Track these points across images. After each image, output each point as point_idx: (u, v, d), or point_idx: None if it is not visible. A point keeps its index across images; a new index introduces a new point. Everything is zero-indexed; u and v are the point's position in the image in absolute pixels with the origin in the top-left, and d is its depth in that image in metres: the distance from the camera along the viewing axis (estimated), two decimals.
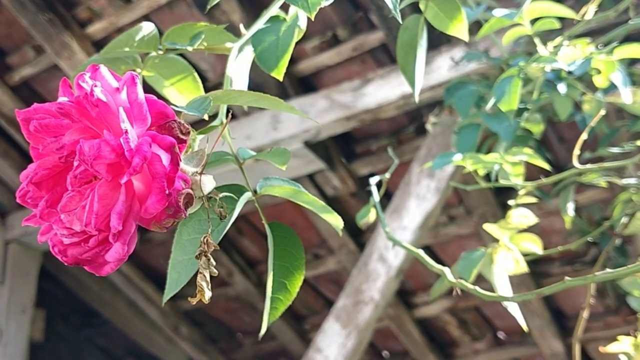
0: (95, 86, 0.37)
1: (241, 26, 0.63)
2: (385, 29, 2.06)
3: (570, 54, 1.01)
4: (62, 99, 0.38)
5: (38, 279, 2.83)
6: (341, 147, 2.48)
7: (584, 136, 0.91)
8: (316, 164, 2.36)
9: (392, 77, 2.09)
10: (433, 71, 1.96)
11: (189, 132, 0.40)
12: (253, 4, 2.10)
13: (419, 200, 1.98)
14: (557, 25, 1.02)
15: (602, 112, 1.01)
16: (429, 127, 1.62)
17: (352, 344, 2.00)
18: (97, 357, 3.61)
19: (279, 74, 0.67)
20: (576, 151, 0.88)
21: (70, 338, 3.49)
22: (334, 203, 2.58)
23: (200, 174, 0.42)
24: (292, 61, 2.26)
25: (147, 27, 0.60)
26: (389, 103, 2.06)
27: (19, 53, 2.45)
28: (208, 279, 0.44)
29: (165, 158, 0.37)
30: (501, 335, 3.07)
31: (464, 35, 0.71)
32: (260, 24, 0.62)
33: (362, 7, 2.13)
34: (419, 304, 2.95)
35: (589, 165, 0.90)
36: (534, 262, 2.54)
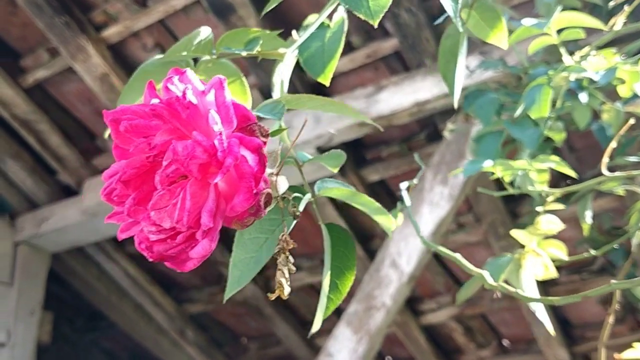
0: (188, 89, 0.39)
1: (294, 32, 0.65)
2: (400, 36, 2.08)
3: (596, 64, 1.03)
4: (154, 100, 0.40)
5: (47, 281, 2.84)
6: (352, 153, 2.50)
7: (613, 144, 0.93)
8: (327, 170, 2.36)
9: (406, 84, 2.11)
10: None
11: (268, 135, 0.42)
12: (270, 10, 2.12)
13: (432, 207, 1.99)
14: (582, 35, 1.04)
15: (632, 121, 1.03)
16: (446, 133, 1.64)
17: (363, 350, 2.01)
18: None
19: (325, 79, 0.68)
20: (605, 159, 0.90)
21: (75, 341, 3.49)
22: (344, 209, 2.59)
23: (277, 174, 0.43)
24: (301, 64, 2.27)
25: (205, 32, 0.62)
26: (402, 110, 2.07)
27: (33, 55, 2.46)
28: (287, 275, 0.45)
29: (252, 159, 0.39)
30: (506, 343, 3.08)
31: (504, 44, 0.73)
32: (312, 29, 0.63)
33: None
34: (426, 310, 2.97)
35: (617, 173, 0.92)
36: None
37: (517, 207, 2.46)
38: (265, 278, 3.05)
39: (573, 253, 2.24)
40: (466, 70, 1.91)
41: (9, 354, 2.66)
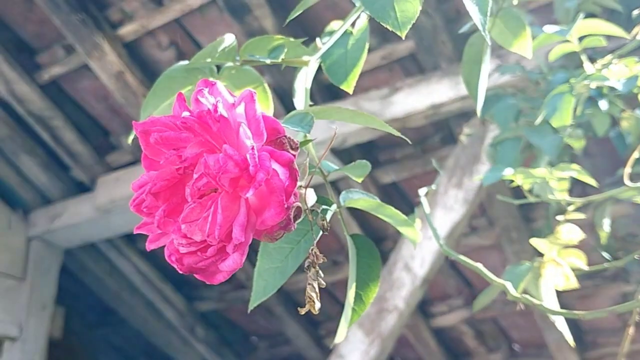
0: (219, 102, 0.39)
1: (317, 40, 0.65)
2: (416, 38, 2.08)
3: (618, 72, 1.02)
4: (184, 113, 0.39)
5: (59, 276, 2.85)
6: (365, 155, 2.49)
7: (636, 154, 0.92)
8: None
9: (421, 86, 2.10)
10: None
11: (297, 148, 0.41)
12: (285, 10, 2.12)
13: (446, 211, 1.99)
14: (604, 43, 1.03)
15: None
16: (462, 138, 1.63)
17: (375, 352, 2.01)
18: (112, 356, 3.63)
19: (348, 87, 0.68)
20: (628, 169, 0.89)
21: (86, 336, 3.51)
22: (356, 211, 2.59)
23: (306, 187, 0.43)
24: (320, 68, 2.27)
25: (229, 39, 0.62)
26: (417, 112, 2.07)
27: (49, 52, 2.47)
28: (317, 290, 0.45)
29: (283, 173, 0.39)
30: (517, 347, 3.07)
31: (528, 53, 0.72)
32: (335, 37, 0.63)
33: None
34: (436, 313, 2.96)
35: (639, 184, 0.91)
36: None
37: (530, 211, 2.45)
38: None
39: (588, 258, 2.22)
40: None
41: (20, 348, 2.68)
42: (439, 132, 2.38)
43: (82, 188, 2.75)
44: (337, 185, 2.51)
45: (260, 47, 0.63)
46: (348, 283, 0.53)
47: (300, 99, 0.62)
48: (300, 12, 0.61)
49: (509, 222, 2.38)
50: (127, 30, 2.30)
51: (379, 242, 2.73)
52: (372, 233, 2.71)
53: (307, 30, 2.09)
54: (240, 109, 0.40)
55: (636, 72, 1.02)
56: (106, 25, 2.29)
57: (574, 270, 0.96)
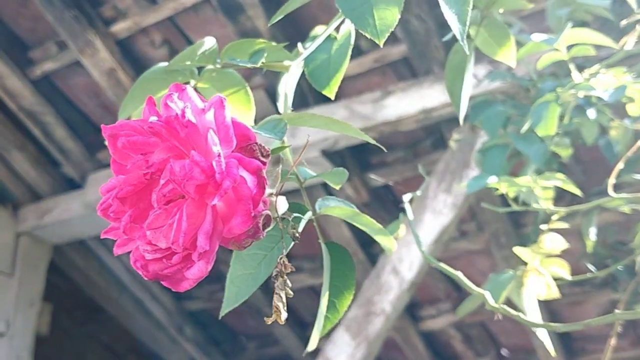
0: (187, 107, 0.38)
1: (299, 45, 0.64)
2: (409, 42, 2.07)
3: (606, 82, 1.02)
4: (152, 118, 0.39)
5: (47, 272, 2.84)
6: (357, 157, 2.49)
7: (621, 165, 0.92)
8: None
9: (413, 90, 2.10)
10: None
11: (268, 155, 0.41)
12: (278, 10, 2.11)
13: (435, 215, 1.99)
14: (593, 52, 1.03)
15: (639, 143, 1.02)
16: (452, 143, 1.63)
17: (361, 355, 2.01)
18: (99, 353, 3.62)
19: (330, 92, 0.68)
20: (612, 180, 0.89)
21: (74, 333, 3.50)
22: None
23: (276, 195, 0.43)
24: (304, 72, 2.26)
25: (209, 42, 0.61)
26: (409, 116, 2.07)
27: (42, 48, 2.46)
28: (284, 299, 0.44)
29: (251, 181, 0.38)
30: (505, 352, 3.07)
31: (512, 62, 0.72)
32: (318, 42, 0.63)
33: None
34: (425, 317, 2.96)
35: (624, 195, 0.91)
36: None
37: (520, 217, 2.45)
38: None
39: (576, 265, 2.22)
40: (474, 80, 1.90)
41: (7, 344, 2.66)
42: (430, 136, 2.38)
43: (73, 184, 2.74)
44: (328, 188, 2.51)
45: (242, 50, 0.63)
46: (322, 291, 0.53)
47: (282, 104, 0.62)
48: (281, 17, 0.60)
49: (499, 227, 2.38)
50: (120, 28, 2.29)
51: (369, 245, 2.73)
52: (362, 235, 2.71)
53: (301, 31, 2.08)
54: (210, 115, 0.39)
55: (624, 82, 1.02)
56: (99, 22, 2.28)
57: (557, 279, 0.96)
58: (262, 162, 0.40)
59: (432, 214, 1.99)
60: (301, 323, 3.23)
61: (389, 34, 0.53)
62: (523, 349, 2.99)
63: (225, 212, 0.39)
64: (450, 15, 0.50)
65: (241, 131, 0.40)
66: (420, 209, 2.03)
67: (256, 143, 0.41)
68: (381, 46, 0.49)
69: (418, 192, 0.96)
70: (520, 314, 0.66)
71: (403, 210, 0.99)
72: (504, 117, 1.29)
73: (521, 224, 2.46)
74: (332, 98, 0.66)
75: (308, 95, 2.26)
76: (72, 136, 2.62)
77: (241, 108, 0.69)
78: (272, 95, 2.26)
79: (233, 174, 0.37)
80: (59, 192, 2.73)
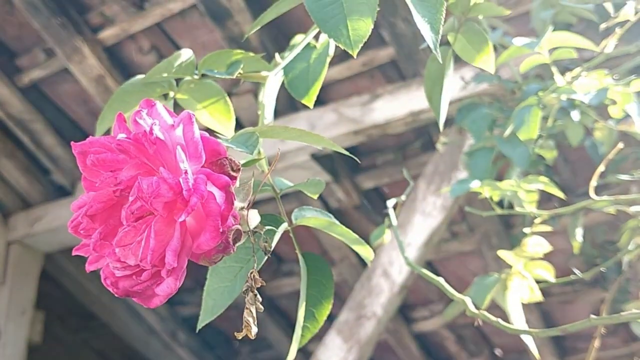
0: (155, 124, 0.38)
1: (277, 56, 0.65)
2: (396, 45, 2.08)
3: (587, 85, 1.03)
4: (120, 135, 0.39)
5: (39, 280, 2.83)
6: (346, 160, 2.49)
7: (601, 168, 0.92)
8: (321, 176, 2.37)
9: (401, 93, 2.10)
10: None
11: (239, 170, 0.41)
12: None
13: (424, 217, 1.99)
14: (574, 55, 1.04)
15: (620, 145, 1.02)
16: (439, 146, 1.64)
17: (353, 359, 2.01)
18: None
19: (309, 101, 0.68)
20: (593, 182, 0.89)
21: (67, 341, 3.48)
22: (338, 216, 2.58)
23: (247, 209, 0.43)
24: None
25: (186, 54, 0.61)
26: (397, 119, 2.07)
27: (29, 55, 2.46)
28: (254, 314, 0.44)
29: (219, 196, 0.38)
30: (498, 352, 3.07)
31: (490, 68, 0.73)
32: (295, 52, 0.63)
33: (374, 23, 2.15)
34: (418, 318, 2.96)
35: (605, 197, 0.91)
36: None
37: (511, 217, 2.46)
38: None
39: (566, 265, 2.22)
40: (461, 82, 1.91)
41: (0, 353, 2.66)
42: (419, 138, 2.39)
43: (63, 192, 2.73)
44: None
45: (220, 61, 0.63)
46: (299, 302, 0.53)
47: (267, 113, 0.62)
48: (259, 27, 0.60)
49: (489, 228, 2.38)
50: (108, 34, 2.29)
51: None
52: None
53: (288, 34, 2.09)
54: (179, 131, 0.39)
55: (606, 84, 1.03)
56: (86, 29, 2.28)
57: (541, 282, 0.96)
58: (232, 177, 0.40)
59: (422, 216, 1.99)
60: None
61: (365, 42, 0.53)
62: (516, 349, 2.99)
63: (194, 228, 0.39)
64: (422, 24, 0.50)
65: (211, 146, 0.40)
66: (409, 211, 2.03)
67: (226, 158, 0.41)
68: (355, 57, 0.49)
69: (403, 197, 0.96)
70: (500, 320, 0.66)
71: (389, 215, 1.00)
72: (489, 120, 1.30)
73: (512, 225, 2.47)
74: (311, 107, 0.67)
75: (296, 100, 2.26)
76: (61, 143, 2.62)
77: (221, 118, 0.69)
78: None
79: (201, 190, 0.37)
80: (49, 200, 2.73)
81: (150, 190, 0.37)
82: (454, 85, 1.95)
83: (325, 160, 2.35)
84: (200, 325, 0.49)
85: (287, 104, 2.27)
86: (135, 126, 0.39)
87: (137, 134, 0.38)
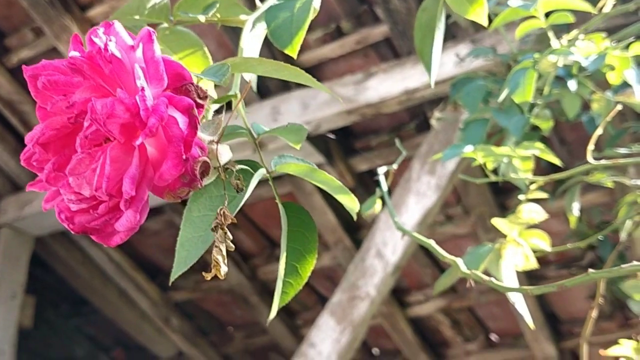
0: (110, 41, 0.35)
1: (257, 2, 0.61)
2: (390, 22, 2.04)
3: (585, 49, 0.99)
4: (73, 53, 0.36)
5: (29, 265, 2.80)
6: (341, 142, 2.46)
7: (599, 131, 0.89)
8: (315, 158, 2.34)
9: (396, 71, 2.06)
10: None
11: (206, 97, 0.38)
12: None
13: (419, 197, 1.96)
14: (571, 19, 1.00)
15: (619, 107, 0.99)
16: (433, 122, 1.60)
17: (347, 340, 1.98)
18: (86, 346, 3.58)
19: (293, 51, 0.64)
20: (590, 146, 0.86)
21: (59, 326, 3.45)
22: (332, 198, 2.55)
23: (217, 142, 0.39)
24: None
25: None
26: (391, 98, 2.04)
27: (18, 35, 2.41)
28: (224, 253, 0.41)
29: (182, 121, 0.35)
30: (494, 337, 3.05)
31: (484, 20, 0.69)
32: None
33: (367, 0, 2.11)
34: (413, 302, 2.94)
35: (603, 161, 0.88)
36: None
37: (506, 199, 2.43)
38: (251, 266, 3.02)
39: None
40: (456, 59, 1.87)
41: None
42: (414, 119, 2.35)
43: None
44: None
45: (196, 5, 0.59)
46: (281, 254, 0.50)
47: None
48: None
49: (484, 210, 2.36)
50: (97, 12, 2.25)
51: (355, 231, 2.70)
52: (349, 222, 2.69)
53: None
54: (140, 52, 0.36)
55: (603, 48, 1.00)
56: (75, 7, 2.23)
57: (536, 252, 0.93)
58: (198, 104, 0.37)
59: (416, 196, 1.96)
60: (289, 312, 3.20)
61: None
62: (511, 334, 2.97)
63: (156, 158, 0.36)
64: None
65: (175, 69, 0.37)
66: (403, 192, 2.00)
67: (192, 83, 0.37)
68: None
69: (394, 166, 0.93)
70: (493, 279, 0.63)
71: (391, 190, 0.97)
72: (483, 91, 1.26)
73: (507, 207, 2.44)
74: (295, 57, 0.63)
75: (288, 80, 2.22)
76: None
77: (199, 70, 0.65)
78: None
79: (160, 111, 0.34)
80: None
81: (105, 111, 0.33)
82: (449, 63, 1.92)
83: (318, 141, 2.31)
84: (173, 277, 0.46)
85: (280, 84, 2.23)
86: (90, 45, 0.36)
87: (90, 51, 0.35)
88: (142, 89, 0.34)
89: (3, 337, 2.64)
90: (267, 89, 2.26)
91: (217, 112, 0.48)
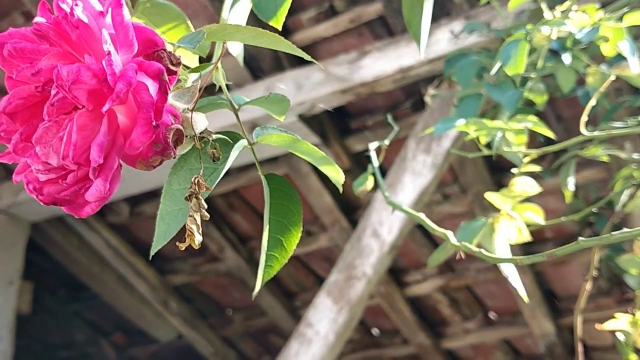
0: (76, 5, 0.34)
1: None
2: (384, 0, 2.02)
3: (579, 20, 0.98)
4: (38, 19, 0.34)
5: (26, 250, 2.79)
6: (336, 123, 2.44)
7: (593, 102, 0.88)
8: (310, 139, 2.33)
9: (390, 50, 2.05)
10: (432, 44, 1.91)
11: (179, 63, 0.36)
12: None
13: (415, 176, 1.95)
14: None
15: (612, 77, 0.97)
16: (428, 99, 1.59)
17: (344, 320, 1.98)
18: (85, 331, 3.59)
19: (277, 22, 0.63)
20: (584, 118, 0.85)
21: (58, 311, 3.46)
22: (329, 180, 2.54)
23: (192, 110, 0.38)
24: (288, 32, 2.21)
25: None
26: (386, 76, 2.02)
27: (9, 19, 2.39)
28: (199, 222, 0.40)
29: (152, 87, 0.34)
30: (492, 315, 3.06)
31: None
32: None
33: None
34: (411, 282, 2.94)
35: (597, 133, 0.87)
36: (527, 242, 2.52)
37: (503, 178, 2.42)
38: (249, 249, 3.01)
39: (559, 225, 2.18)
40: (450, 35, 1.86)
41: None
42: (410, 98, 2.34)
43: None
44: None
45: None
46: (264, 227, 0.49)
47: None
48: None
49: (481, 189, 2.34)
50: None
51: (352, 212, 2.69)
52: (345, 203, 2.68)
53: None
54: (109, 18, 0.35)
55: (597, 19, 0.98)
56: None
57: (529, 226, 0.92)
58: (171, 71, 0.36)
59: (412, 175, 1.95)
60: (287, 293, 3.21)
61: None
62: (509, 312, 2.98)
63: (126, 126, 0.35)
64: None
65: (146, 36, 0.36)
66: (399, 171, 1.99)
67: (164, 49, 0.36)
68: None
69: (386, 141, 0.91)
70: (483, 250, 0.63)
71: (387, 170, 0.96)
72: (477, 66, 1.25)
73: (504, 185, 2.43)
74: (280, 29, 0.62)
75: (283, 58, 2.21)
76: None
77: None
78: (247, 61, 2.21)
79: (128, 76, 0.33)
80: None
81: (70, 77, 0.32)
82: (444, 40, 1.90)
83: (313, 122, 2.30)
84: (153, 250, 0.45)
85: (273, 64, 2.22)
86: (58, 11, 0.35)
87: (57, 17, 0.34)
88: (109, 53, 0.33)
89: (1, 324, 2.64)
90: (260, 69, 2.24)
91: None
